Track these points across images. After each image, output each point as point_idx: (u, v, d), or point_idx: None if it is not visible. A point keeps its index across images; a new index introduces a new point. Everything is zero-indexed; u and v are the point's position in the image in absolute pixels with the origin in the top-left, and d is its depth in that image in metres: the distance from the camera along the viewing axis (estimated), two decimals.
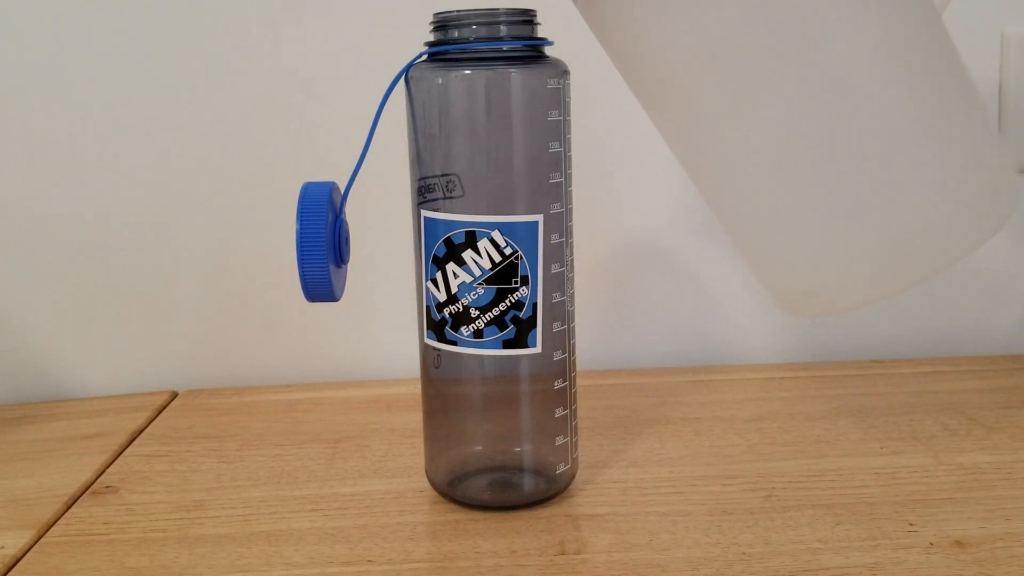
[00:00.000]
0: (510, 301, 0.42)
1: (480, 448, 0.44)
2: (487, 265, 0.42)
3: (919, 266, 0.40)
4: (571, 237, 0.44)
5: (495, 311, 0.42)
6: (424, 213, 0.43)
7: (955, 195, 0.39)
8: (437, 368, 0.44)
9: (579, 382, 0.46)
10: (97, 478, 0.51)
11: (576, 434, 0.46)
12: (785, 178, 0.40)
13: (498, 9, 0.41)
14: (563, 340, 0.44)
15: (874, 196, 0.39)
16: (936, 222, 0.39)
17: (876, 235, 0.39)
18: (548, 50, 0.43)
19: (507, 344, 0.42)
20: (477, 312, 0.42)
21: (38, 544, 0.44)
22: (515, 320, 0.42)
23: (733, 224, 0.44)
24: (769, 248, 0.43)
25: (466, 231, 0.41)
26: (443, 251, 0.42)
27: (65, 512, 0.47)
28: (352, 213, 0.43)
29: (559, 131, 0.42)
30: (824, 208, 0.40)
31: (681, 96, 0.41)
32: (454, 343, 0.43)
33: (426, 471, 0.47)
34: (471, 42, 0.41)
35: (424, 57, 0.43)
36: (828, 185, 0.40)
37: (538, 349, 0.43)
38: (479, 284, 0.42)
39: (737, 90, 0.39)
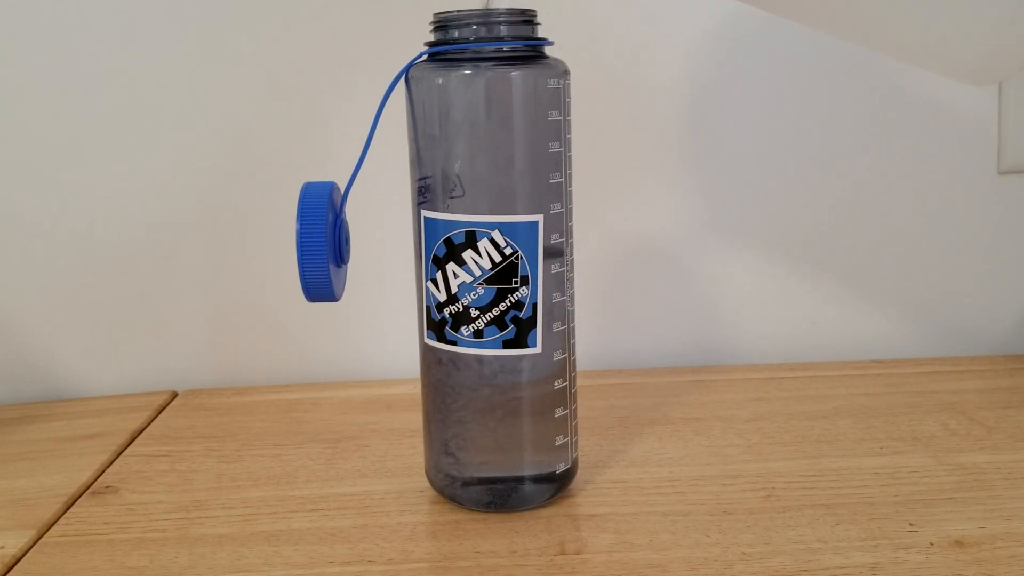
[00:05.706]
0: (510, 301, 0.42)
1: (480, 448, 0.44)
2: (487, 265, 0.42)
3: None
4: (571, 237, 0.44)
5: (495, 311, 0.42)
6: (424, 213, 0.43)
7: None
8: (437, 368, 0.44)
9: (579, 382, 0.46)
10: (97, 478, 0.51)
11: (576, 434, 0.46)
12: None
13: (498, 9, 0.41)
14: (563, 340, 0.44)
15: None
16: None
17: None
18: (548, 50, 0.43)
19: (507, 344, 0.42)
20: (477, 312, 0.42)
21: (38, 544, 0.44)
22: (515, 320, 0.42)
23: (900, 31, 0.44)
24: (947, 27, 0.43)
25: (466, 231, 0.41)
26: (443, 251, 0.42)
27: (65, 512, 0.47)
28: (352, 213, 0.44)
29: (559, 131, 0.42)
30: None
31: None
32: (454, 343, 0.43)
33: (426, 471, 0.47)
34: (471, 42, 0.41)
35: (424, 57, 0.43)
36: None
37: (538, 349, 0.43)
38: (479, 284, 0.42)
39: None
